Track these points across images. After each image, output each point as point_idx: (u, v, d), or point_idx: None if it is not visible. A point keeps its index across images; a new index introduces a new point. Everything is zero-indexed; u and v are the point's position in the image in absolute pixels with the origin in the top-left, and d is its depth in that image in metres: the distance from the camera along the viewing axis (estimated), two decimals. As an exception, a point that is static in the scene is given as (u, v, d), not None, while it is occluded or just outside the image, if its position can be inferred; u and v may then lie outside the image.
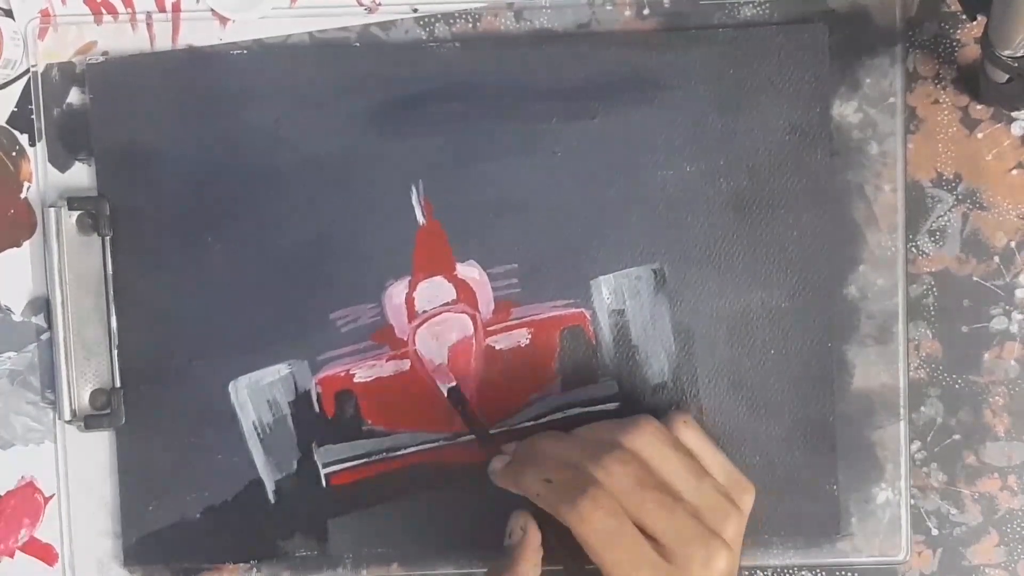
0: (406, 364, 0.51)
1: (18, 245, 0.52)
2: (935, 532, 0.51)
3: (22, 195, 0.52)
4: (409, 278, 0.51)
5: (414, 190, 0.51)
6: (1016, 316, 0.51)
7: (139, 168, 0.51)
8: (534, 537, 0.47)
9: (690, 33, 0.50)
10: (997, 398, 0.51)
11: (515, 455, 0.48)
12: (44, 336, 0.52)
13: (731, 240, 0.50)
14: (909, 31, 0.50)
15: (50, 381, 0.52)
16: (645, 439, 0.45)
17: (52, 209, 0.50)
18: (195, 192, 0.51)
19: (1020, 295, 0.51)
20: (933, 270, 0.51)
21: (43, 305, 0.52)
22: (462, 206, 0.51)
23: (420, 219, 0.51)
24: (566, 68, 0.50)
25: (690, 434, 0.47)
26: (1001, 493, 0.51)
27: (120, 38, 0.51)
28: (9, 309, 0.52)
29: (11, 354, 0.52)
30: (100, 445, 0.52)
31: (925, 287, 0.51)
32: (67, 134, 0.52)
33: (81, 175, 0.52)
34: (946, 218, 0.51)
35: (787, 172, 0.50)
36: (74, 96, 0.52)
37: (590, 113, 0.50)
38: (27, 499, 0.53)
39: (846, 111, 0.50)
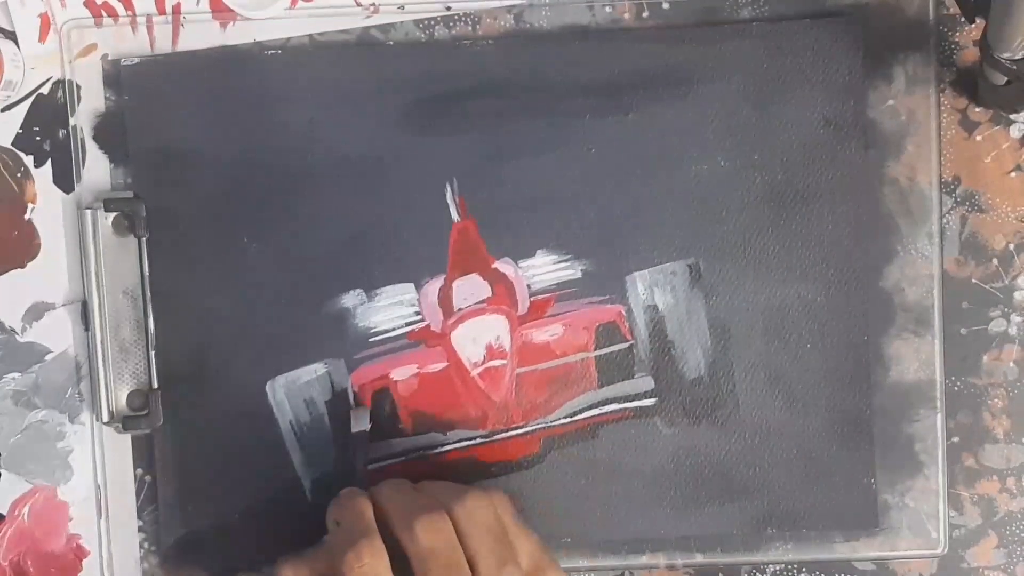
0: (443, 362, 0.51)
1: (22, 266, 0.52)
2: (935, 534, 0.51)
3: (26, 216, 0.52)
4: (444, 276, 0.51)
5: (448, 188, 0.51)
6: (1015, 318, 0.51)
7: (174, 169, 0.51)
8: None
9: (723, 27, 0.50)
10: (996, 400, 0.51)
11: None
12: (49, 356, 0.52)
13: (766, 234, 0.50)
14: (940, 25, 0.50)
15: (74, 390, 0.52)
16: (465, 510, 0.45)
17: (88, 211, 0.50)
18: (230, 192, 0.51)
19: (1019, 297, 0.51)
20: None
21: (81, 307, 0.52)
22: (497, 203, 0.51)
23: (455, 217, 0.51)
24: (599, 64, 0.50)
25: (508, 517, 0.46)
26: (1000, 495, 0.51)
27: (120, 41, 0.51)
28: (12, 329, 0.52)
29: (15, 375, 0.52)
30: (137, 446, 0.52)
31: (924, 289, 0.51)
32: (100, 137, 0.52)
33: (103, 175, 0.51)
34: (945, 220, 0.51)
35: (821, 165, 0.50)
36: (97, 100, 0.51)
37: (624, 109, 0.50)
38: (54, 504, 0.52)
39: (880, 104, 0.50)
